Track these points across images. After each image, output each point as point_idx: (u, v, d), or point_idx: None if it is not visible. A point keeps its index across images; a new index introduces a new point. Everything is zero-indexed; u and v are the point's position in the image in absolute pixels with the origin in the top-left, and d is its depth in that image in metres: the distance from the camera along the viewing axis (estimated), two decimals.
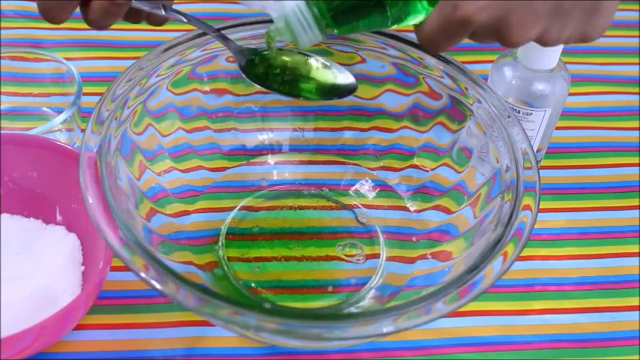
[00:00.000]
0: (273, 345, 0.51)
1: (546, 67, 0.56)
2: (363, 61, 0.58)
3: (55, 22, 0.46)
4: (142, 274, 0.41)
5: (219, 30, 0.51)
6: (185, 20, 0.49)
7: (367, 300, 0.53)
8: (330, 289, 0.54)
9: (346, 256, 0.55)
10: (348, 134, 0.61)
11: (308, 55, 0.51)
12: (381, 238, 0.56)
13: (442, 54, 0.55)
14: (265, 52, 0.50)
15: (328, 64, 0.51)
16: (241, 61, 0.50)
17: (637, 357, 0.53)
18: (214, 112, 0.59)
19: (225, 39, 0.51)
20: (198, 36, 0.55)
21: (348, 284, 0.54)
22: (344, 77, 0.50)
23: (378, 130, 0.60)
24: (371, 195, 0.59)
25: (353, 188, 0.60)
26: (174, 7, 0.48)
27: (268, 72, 0.50)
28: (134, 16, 0.48)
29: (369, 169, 0.60)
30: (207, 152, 0.58)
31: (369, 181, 0.60)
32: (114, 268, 0.52)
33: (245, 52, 0.50)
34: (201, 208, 0.57)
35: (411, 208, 0.58)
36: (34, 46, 0.69)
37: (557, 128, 0.67)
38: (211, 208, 0.57)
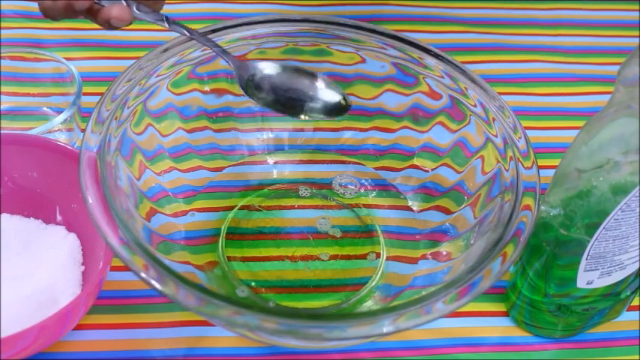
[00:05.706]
0: (273, 345, 0.51)
1: None
2: (363, 61, 0.58)
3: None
4: (142, 274, 0.41)
5: (218, 46, 0.52)
6: (187, 34, 0.49)
7: (367, 300, 0.53)
8: (334, 288, 0.54)
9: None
10: (348, 134, 0.61)
11: (312, 74, 0.51)
12: (381, 237, 0.56)
13: (442, 54, 0.55)
14: (267, 72, 0.51)
15: (330, 82, 0.51)
16: (242, 78, 0.51)
17: (637, 357, 0.53)
18: (214, 112, 0.59)
19: (226, 54, 0.51)
20: None
21: (348, 284, 0.54)
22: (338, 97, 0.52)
23: (378, 130, 0.60)
24: (371, 195, 0.59)
25: (353, 188, 0.60)
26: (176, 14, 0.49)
27: (269, 89, 0.51)
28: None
29: (369, 168, 0.60)
30: (207, 152, 0.58)
31: (370, 180, 0.60)
32: (114, 268, 0.52)
33: (246, 67, 0.51)
34: (201, 208, 0.57)
35: (411, 208, 0.58)
36: (34, 46, 0.69)
37: (557, 128, 0.67)
38: (211, 208, 0.57)
